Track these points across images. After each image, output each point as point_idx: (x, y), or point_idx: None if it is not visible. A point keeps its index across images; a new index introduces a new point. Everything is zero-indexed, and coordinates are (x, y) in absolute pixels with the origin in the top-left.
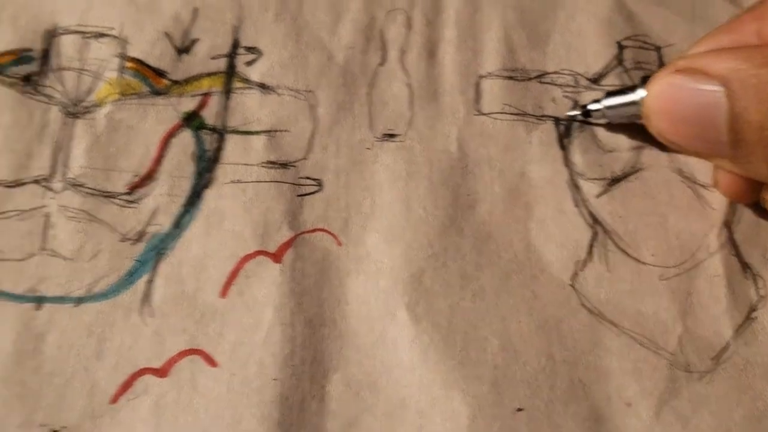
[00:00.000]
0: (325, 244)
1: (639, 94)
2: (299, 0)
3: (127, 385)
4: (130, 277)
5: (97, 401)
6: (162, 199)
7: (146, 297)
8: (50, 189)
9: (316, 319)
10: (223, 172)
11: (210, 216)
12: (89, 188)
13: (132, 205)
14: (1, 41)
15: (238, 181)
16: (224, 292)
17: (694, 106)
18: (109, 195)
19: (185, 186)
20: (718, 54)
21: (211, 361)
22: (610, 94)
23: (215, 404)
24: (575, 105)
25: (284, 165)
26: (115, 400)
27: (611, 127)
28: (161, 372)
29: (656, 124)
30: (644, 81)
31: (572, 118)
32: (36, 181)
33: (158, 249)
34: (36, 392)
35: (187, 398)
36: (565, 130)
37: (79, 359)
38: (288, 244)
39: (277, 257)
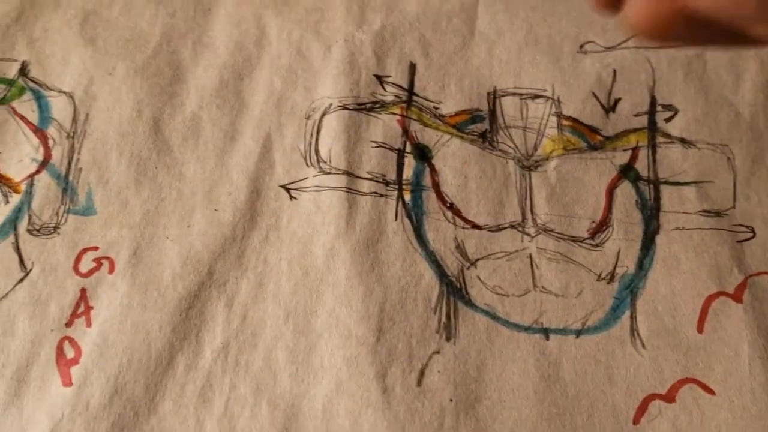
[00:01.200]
0: None
1: None
2: (702, 62)
3: (643, 409)
4: (614, 312)
5: (621, 421)
6: (621, 243)
7: (633, 330)
8: (526, 233)
9: None
10: (666, 220)
11: (666, 259)
12: (558, 233)
13: (597, 249)
14: (453, 102)
15: (683, 228)
16: (700, 328)
17: None
18: (575, 239)
19: (637, 231)
20: None
21: (708, 390)
22: None
23: (725, 427)
24: None
25: (718, 213)
26: (636, 421)
27: None
28: (668, 398)
29: None
30: None
31: None
32: (512, 226)
33: (631, 288)
34: (570, 412)
35: (698, 421)
36: None
37: (594, 384)
38: (743, 286)
39: (737, 297)
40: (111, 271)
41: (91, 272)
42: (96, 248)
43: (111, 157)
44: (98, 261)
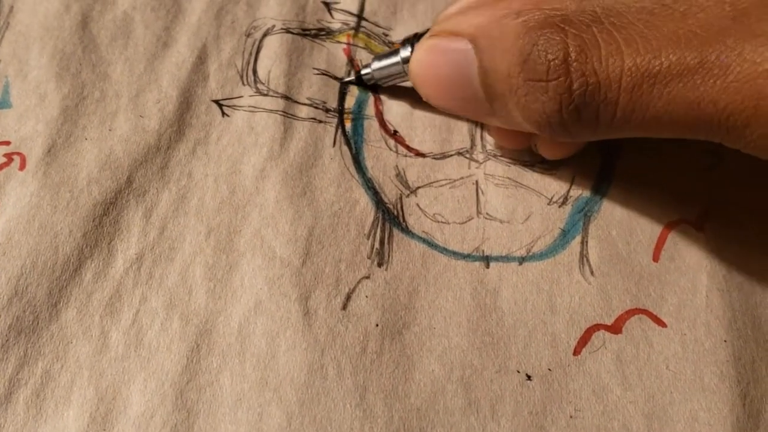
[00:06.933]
0: (739, 218)
1: (400, 55)
2: None
3: (585, 339)
4: (563, 237)
5: (561, 352)
6: (578, 165)
7: (583, 256)
8: (474, 160)
9: (746, 287)
10: (628, 142)
11: (626, 182)
12: (508, 158)
13: (551, 172)
14: (404, 28)
15: (646, 151)
16: (656, 256)
17: (450, 67)
18: (527, 163)
19: (596, 153)
20: (466, 13)
21: (658, 321)
22: (378, 58)
23: (674, 361)
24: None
25: (683, 139)
26: (577, 352)
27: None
28: (614, 328)
29: (422, 90)
30: (404, 43)
31: (350, 83)
32: (459, 153)
33: (584, 211)
34: (505, 342)
35: (645, 354)
36: None
37: (535, 313)
38: (706, 214)
39: (699, 226)
40: (22, 167)
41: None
42: (8, 143)
43: (33, 50)
44: (9, 156)
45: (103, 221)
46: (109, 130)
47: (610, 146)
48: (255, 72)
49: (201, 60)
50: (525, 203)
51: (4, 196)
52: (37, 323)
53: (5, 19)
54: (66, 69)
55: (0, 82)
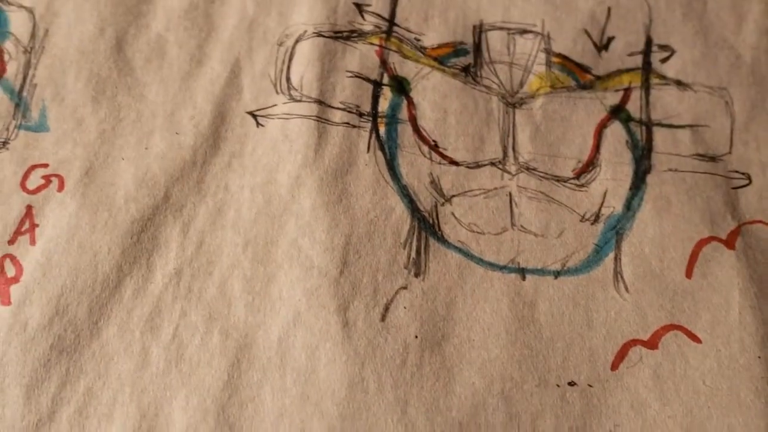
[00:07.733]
0: (765, 235)
1: None
2: (703, 1)
3: (623, 354)
4: (597, 254)
5: (599, 366)
6: (609, 184)
7: (617, 273)
8: (506, 171)
9: None
10: (658, 161)
11: (657, 200)
12: (540, 172)
13: (582, 189)
14: (436, 34)
15: (676, 170)
16: (689, 272)
17: None
18: (559, 179)
19: (627, 171)
20: None
21: (694, 337)
22: None
23: (710, 377)
24: None
25: (713, 158)
26: (615, 367)
27: None
28: (650, 344)
29: None
30: None
31: None
32: (492, 164)
33: (617, 229)
34: (544, 355)
35: (682, 370)
36: None
37: (572, 327)
38: (737, 232)
39: (729, 244)
40: (60, 189)
41: (38, 189)
42: (46, 165)
43: (69, 74)
44: (47, 178)
45: (142, 238)
46: (146, 148)
47: (640, 163)
48: (288, 79)
49: (234, 74)
50: (558, 218)
51: (44, 217)
52: (79, 341)
53: (40, 43)
54: (102, 93)
55: (37, 105)
